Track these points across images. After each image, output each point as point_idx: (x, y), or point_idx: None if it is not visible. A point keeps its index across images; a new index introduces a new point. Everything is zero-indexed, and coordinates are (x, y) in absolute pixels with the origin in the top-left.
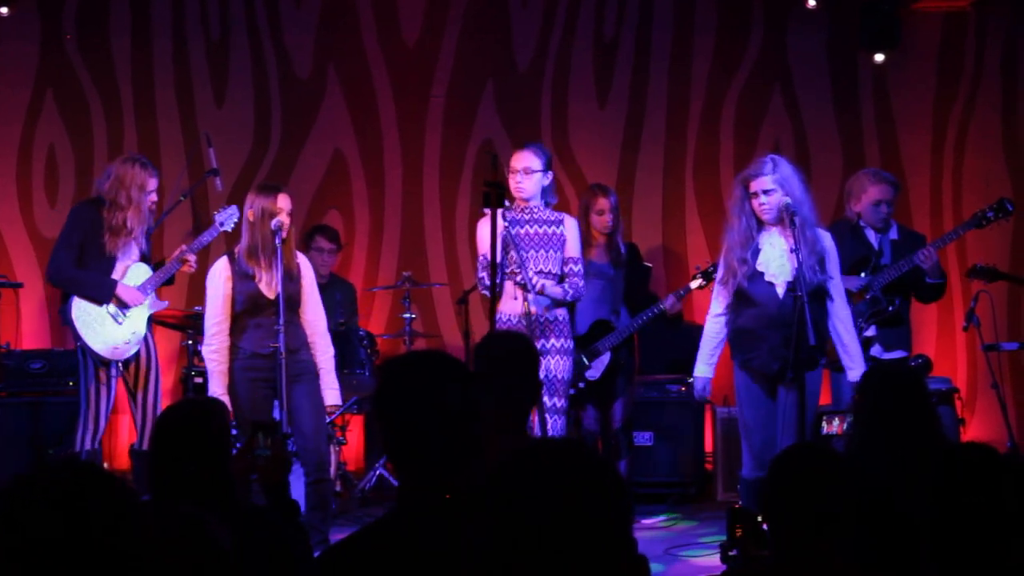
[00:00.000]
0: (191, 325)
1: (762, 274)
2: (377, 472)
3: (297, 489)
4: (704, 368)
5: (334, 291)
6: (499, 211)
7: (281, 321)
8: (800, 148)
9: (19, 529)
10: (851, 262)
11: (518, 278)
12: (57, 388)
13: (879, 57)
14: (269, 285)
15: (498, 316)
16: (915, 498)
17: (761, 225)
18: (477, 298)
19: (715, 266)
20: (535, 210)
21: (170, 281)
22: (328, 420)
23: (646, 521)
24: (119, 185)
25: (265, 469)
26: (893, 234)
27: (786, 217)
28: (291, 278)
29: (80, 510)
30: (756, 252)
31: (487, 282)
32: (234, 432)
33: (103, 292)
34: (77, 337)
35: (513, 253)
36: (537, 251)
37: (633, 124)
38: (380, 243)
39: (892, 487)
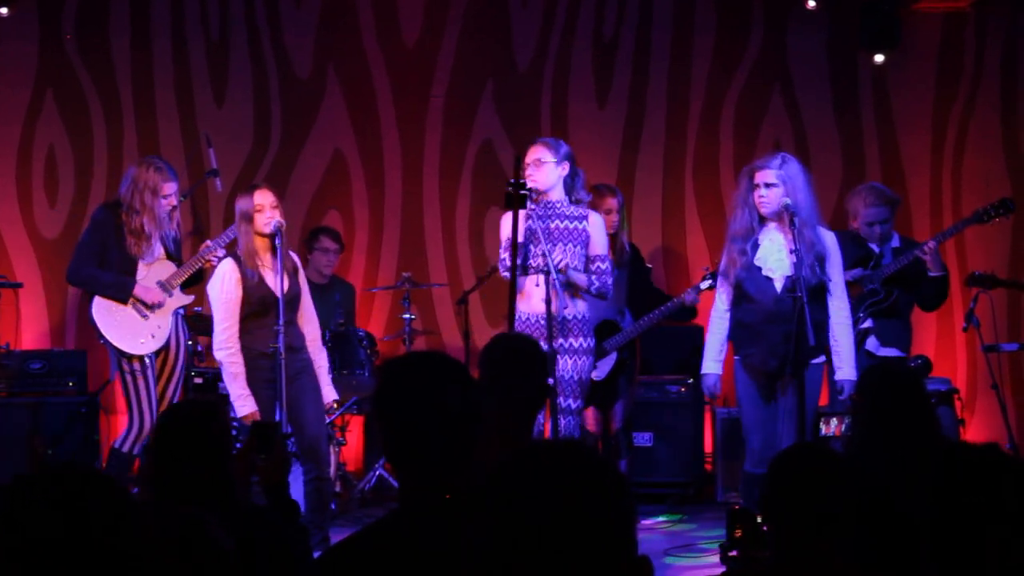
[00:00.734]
0: (191, 326)
1: (760, 268)
2: (377, 472)
3: (296, 489)
4: (713, 364)
5: (334, 292)
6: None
7: (281, 321)
8: (800, 148)
9: (19, 529)
10: (852, 263)
11: (540, 264)
12: (57, 388)
13: (879, 57)
14: (274, 285)
15: (516, 315)
16: (915, 498)
17: (763, 220)
18: (477, 298)
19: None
20: (557, 205)
21: (198, 277)
22: (328, 420)
23: (645, 522)
24: (134, 188)
25: (265, 470)
26: (895, 243)
27: (786, 217)
28: (291, 277)
29: (80, 510)
30: (756, 246)
31: (508, 263)
32: (234, 432)
33: (121, 293)
34: (100, 335)
35: (532, 247)
36: (556, 245)
37: (633, 124)
38: (380, 243)
39: (892, 487)
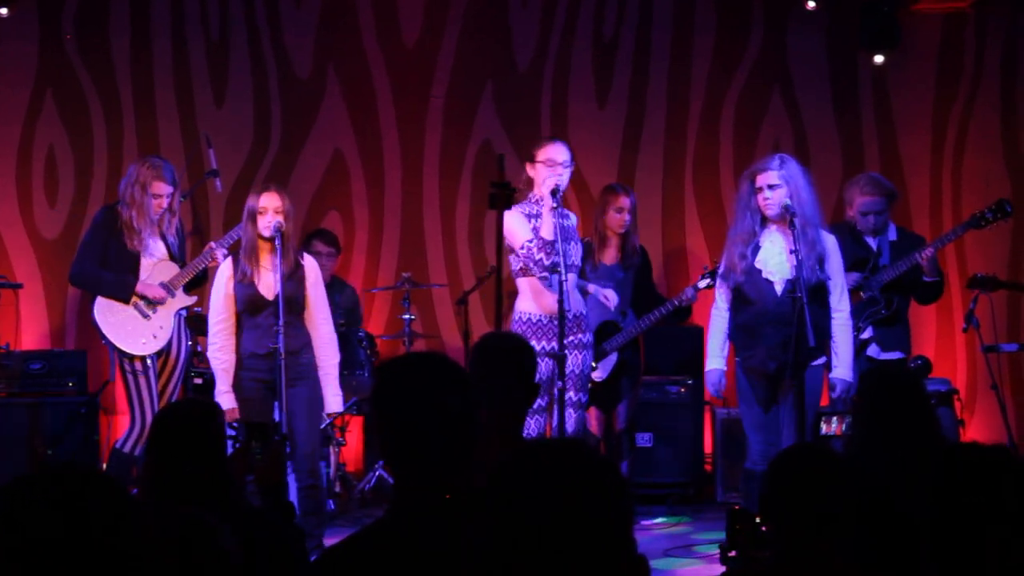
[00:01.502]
0: (191, 326)
1: (760, 271)
2: (376, 473)
3: (290, 493)
4: (716, 361)
5: (333, 294)
6: (521, 205)
7: (280, 322)
8: (800, 148)
9: (19, 529)
10: (850, 264)
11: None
12: (57, 389)
13: (879, 58)
14: (268, 286)
15: (517, 316)
16: (915, 498)
17: (764, 222)
18: (477, 299)
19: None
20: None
21: (202, 278)
22: (324, 424)
23: (645, 522)
24: (129, 183)
25: (262, 470)
26: (892, 235)
27: (786, 217)
28: (291, 279)
29: (80, 510)
30: (756, 249)
31: (546, 263)
32: (231, 432)
33: (123, 291)
34: (103, 336)
35: (563, 245)
36: (570, 243)
37: (633, 124)
38: (380, 244)
39: (891, 487)
